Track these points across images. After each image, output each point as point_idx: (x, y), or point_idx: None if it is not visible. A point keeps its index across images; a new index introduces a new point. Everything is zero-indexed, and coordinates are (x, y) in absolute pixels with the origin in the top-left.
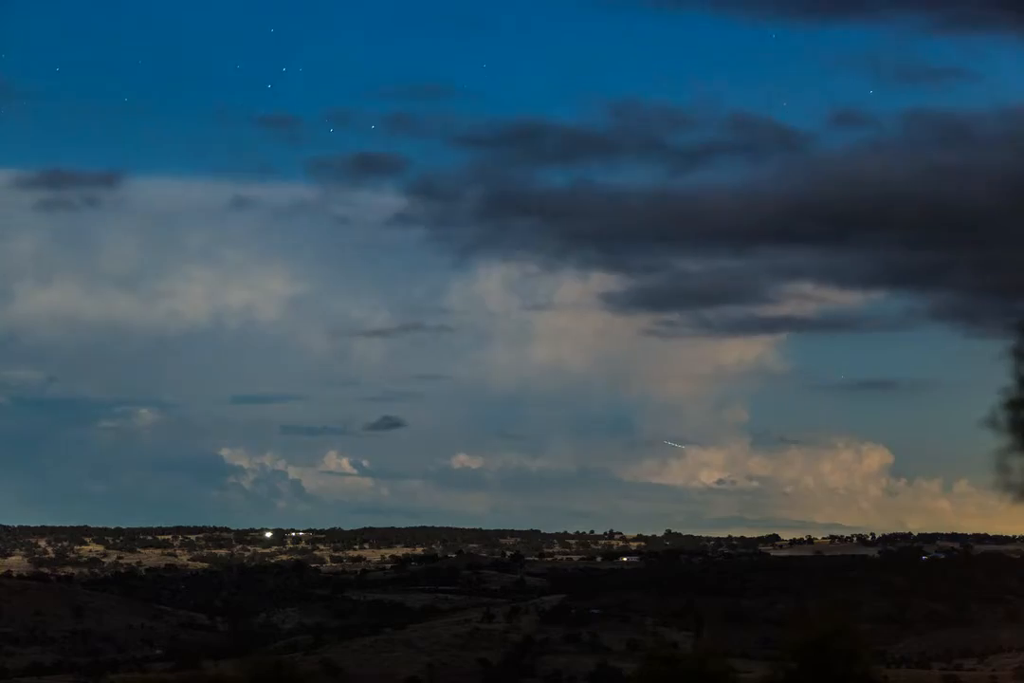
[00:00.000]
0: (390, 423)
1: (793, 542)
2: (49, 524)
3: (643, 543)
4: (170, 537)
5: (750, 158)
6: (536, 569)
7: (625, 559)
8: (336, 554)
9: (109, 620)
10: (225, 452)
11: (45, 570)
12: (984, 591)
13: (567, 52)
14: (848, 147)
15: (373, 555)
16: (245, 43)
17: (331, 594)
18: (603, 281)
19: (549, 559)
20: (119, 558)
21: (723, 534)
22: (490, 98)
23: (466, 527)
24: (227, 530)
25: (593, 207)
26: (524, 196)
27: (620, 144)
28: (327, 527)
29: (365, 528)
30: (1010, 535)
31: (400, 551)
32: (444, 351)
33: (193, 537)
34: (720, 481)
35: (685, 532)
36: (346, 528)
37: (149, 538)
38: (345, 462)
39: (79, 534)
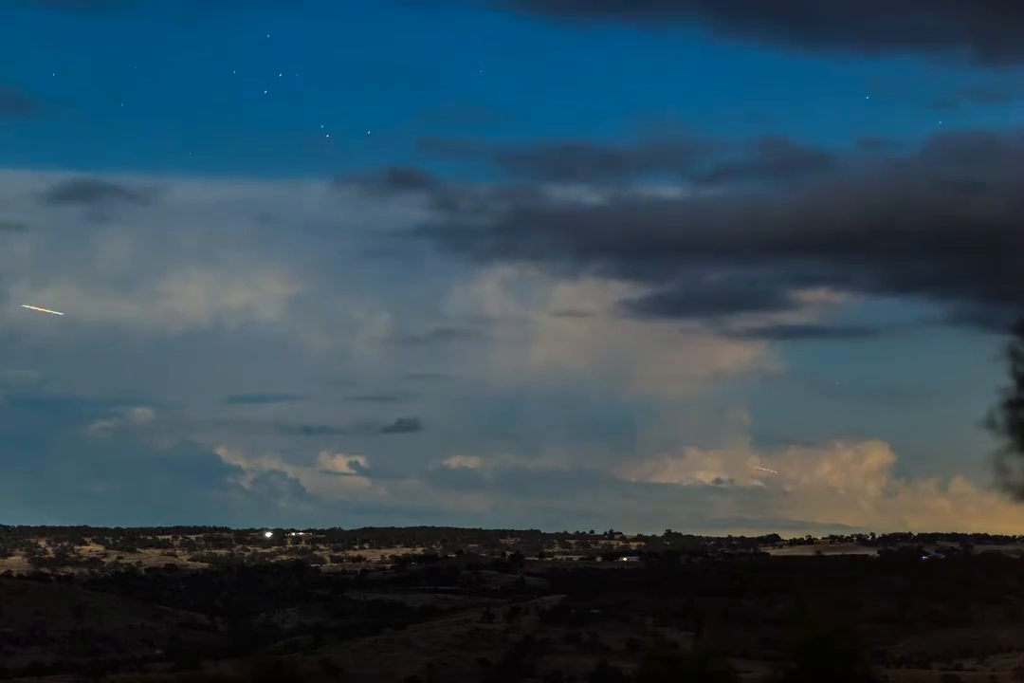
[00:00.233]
0: (406, 426)
1: (793, 542)
2: (49, 524)
3: (643, 543)
4: (170, 537)
5: (772, 174)
6: (536, 569)
7: (625, 559)
8: (336, 554)
9: (109, 620)
10: (225, 452)
11: (45, 570)
12: (984, 591)
13: (598, 73)
14: (867, 164)
15: (373, 555)
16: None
17: (331, 594)
18: (623, 289)
19: (549, 559)
20: (119, 558)
21: (723, 534)
22: (521, 117)
23: (466, 527)
24: (227, 530)
25: (614, 220)
26: (547, 210)
27: (644, 162)
28: (327, 527)
29: (365, 528)
30: (1010, 535)
31: (400, 551)
32: (451, 353)
33: (193, 537)
34: (719, 481)
35: (685, 532)
36: (346, 528)
37: (149, 538)
38: (345, 462)
39: (79, 534)
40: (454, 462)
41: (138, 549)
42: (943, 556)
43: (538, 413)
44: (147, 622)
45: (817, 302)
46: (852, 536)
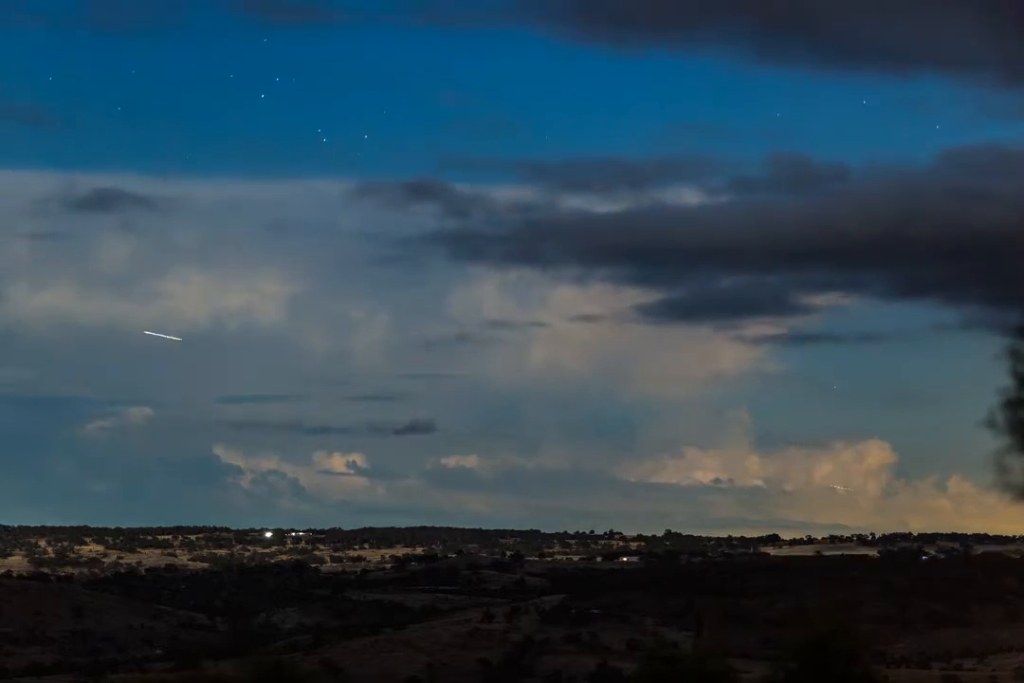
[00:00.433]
0: (415, 426)
1: (793, 542)
2: (49, 524)
3: (643, 543)
4: (170, 537)
5: (784, 186)
6: (536, 569)
7: (625, 559)
8: (336, 554)
9: (109, 620)
10: (225, 452)
11: (45, 570)
12: (984, 591)
13: (627, 91)
14: (879, 174)
15: (373, 555)
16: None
17: (331, 594)
18: (635, 294)
19: (549, 559)
20: (119, 558)
21: (723, 534)
22: (543, 130)
23: (466, 527)
24: (227, 530)
25: (627, 227)
26: (562, 219)
27: (661, 174)
28: (327, 527)
29: (365, 528)
30: (1010, 535)
31: (400, 551)
32: (460, 355)
33: (193, 537)
34: (719, 481)
35: (685, 532)
36: (346, 528)
37: (149, 538)
38: (345, 462)
39: (79, 534)
40: (454, 462)
41: (138, 549)
42: (943, 556)
43: (539, 413)
44: (147, 622)
45: (828, 307)
46: (852, 536)
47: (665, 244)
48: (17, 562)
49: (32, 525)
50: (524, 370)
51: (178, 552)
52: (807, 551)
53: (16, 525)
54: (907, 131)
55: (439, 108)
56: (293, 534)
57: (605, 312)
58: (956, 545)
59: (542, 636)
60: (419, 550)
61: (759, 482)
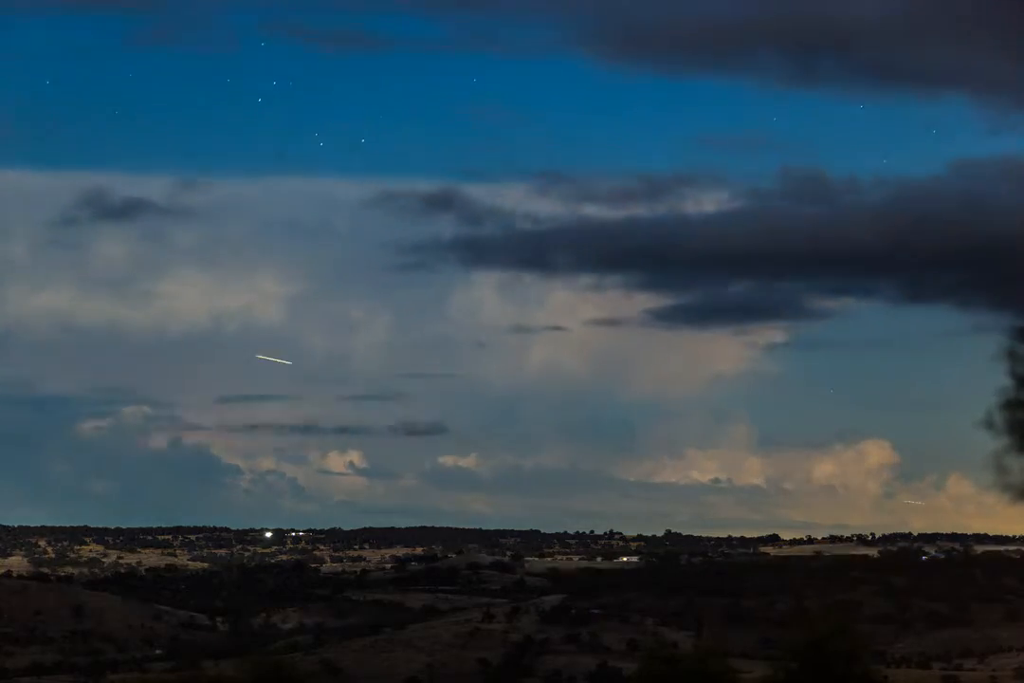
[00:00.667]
0: (434, 429)
1: (793, 542)
2: (49, 524)
3: (643, 543)
4: (170, 537)
5: (798, 197)
6: (536, 569)
7: (625, 559)
8: (336, 554)
9: (109, 620)
10: (225, 452)
11: (45, 570)
12: (984, 591)
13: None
14: (890, 187)
15: (373, 555)
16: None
17: (331, 594)
18: (647, 299)
19: (549, 559)
20: (119, 558)
21: (723, 534)
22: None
23: (466, 527)
24: (227, 530)
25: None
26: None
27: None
28: (327, 527)
29: (365, 528)
30: (1010, 535)
31: (400, 551)
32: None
33: (193, 537)
34: (719, 480)
35: (685, 532)
36: (346, 528)
37: (149, 538)
38: (346, 462)
39: (79, 534)
40: (454, 462)
41: (138, 549)
42: (943, 556)
43: (541, 413)
44: (147, 622)
45: (836, 312)
46: (852, 536)
47: (677, 251)
48: (17, 562)
49: (32, 525)
50: (528, 372)
51: (178, 552)
52: (807, 551)
53: (16, 525)
54: (920, 144)
55: (465, 120)
56: (293, 534)
57: (620, 316)
58: (956, 545)
59: (542, 636)
60: (419, 550)
61: (759, 482)
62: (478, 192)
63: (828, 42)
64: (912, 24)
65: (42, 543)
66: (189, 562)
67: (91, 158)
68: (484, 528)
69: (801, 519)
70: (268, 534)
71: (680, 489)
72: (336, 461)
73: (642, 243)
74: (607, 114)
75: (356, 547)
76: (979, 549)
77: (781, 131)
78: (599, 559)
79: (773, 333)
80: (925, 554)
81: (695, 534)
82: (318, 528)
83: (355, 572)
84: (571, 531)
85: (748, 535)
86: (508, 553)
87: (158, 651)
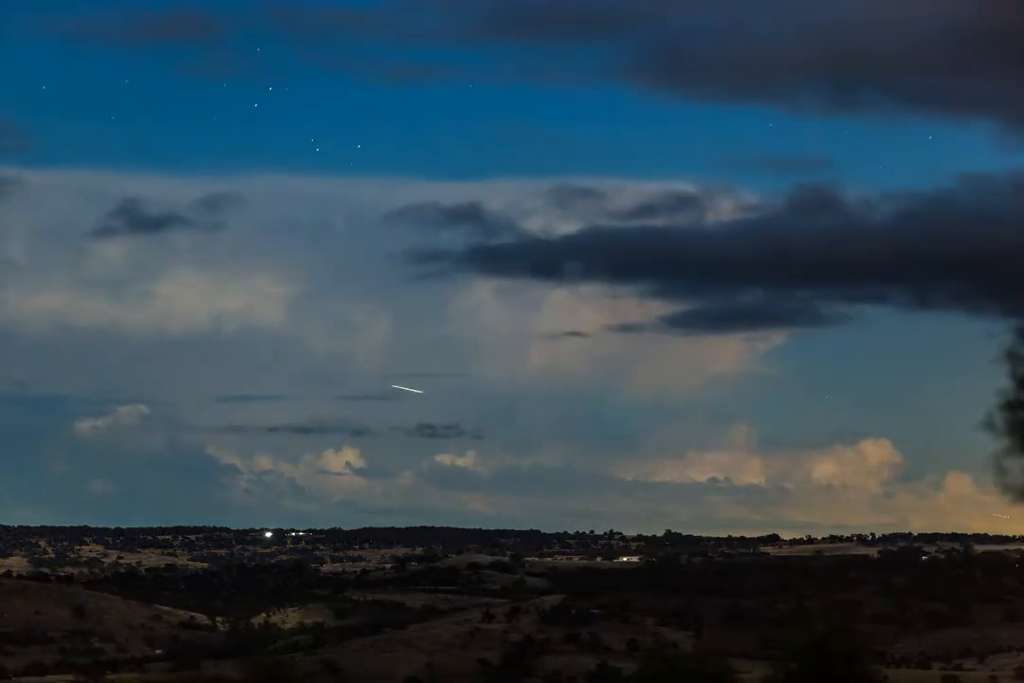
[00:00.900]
0: (473, 434)
1: (793, 542)
2: (49, 524)
3: (643, 543)
4: (170, 537)
5: (809, 211)
6: (536, 569)
7: (625, 559)
8: (336, 554)
9: (109, 620)
10: (225, 452)
11: (45, 570)
12: (984, 591)
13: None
14: (900, 199)
15: (373, 555)
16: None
17: (331, 594)
18: (658, 306)
19: (549, 559)
20: (119, 558)
21: (723, 534)
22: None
23: (466, 527)
24: (227, 530)
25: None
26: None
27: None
28: (327, 527)
29: (365, 528)
30: (1010, 535)
31: (400, 551)
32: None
33: (193, 537)
34: (719, 480)
35: (685, 532)
36: (346, 528)
37: (149, 538)
38: (346, 462)
39: (79, 534)
40: (454, 462)
41: (138, 549)
42: (943, 556)
43: (539, 414)
44: (147, 622)
45: (843, 316)
46: (852, 536)
47: (688, 260)
48: (17, 562)
49: (32, 525)
50: (528, 374)
51: (178, 552)
52: (807, 551)
53: (16, 525)
54: (932, 160)
55: (489, 134)
56: (293, 534)
57: (636, 322)
58: (956, 545)
59: (542, 636)
60: (419, 550)
61: (759, 482)
62: (497, 204)
63: (863, 71)
64: (942, 54)
65: (42, 543)
66: (189, 562)
67: (92, 158)
68: (484, 528)
69: (801, 519)
70: (268, 534)
71: (680, 489)
72: (336, 461)
73: (659, 252)
74: (637, 133)
75: (356, 547)
76: (979, 549)
77: (806, 150)
78: (599, 559)
79: (782, 337)
80: (925, 554)
81: (695, 534)
82: (318, 528)
83: (355, 572)
84: (571, 531)
85: (748, 535)
86: (508, 553)
87: (158, 651)
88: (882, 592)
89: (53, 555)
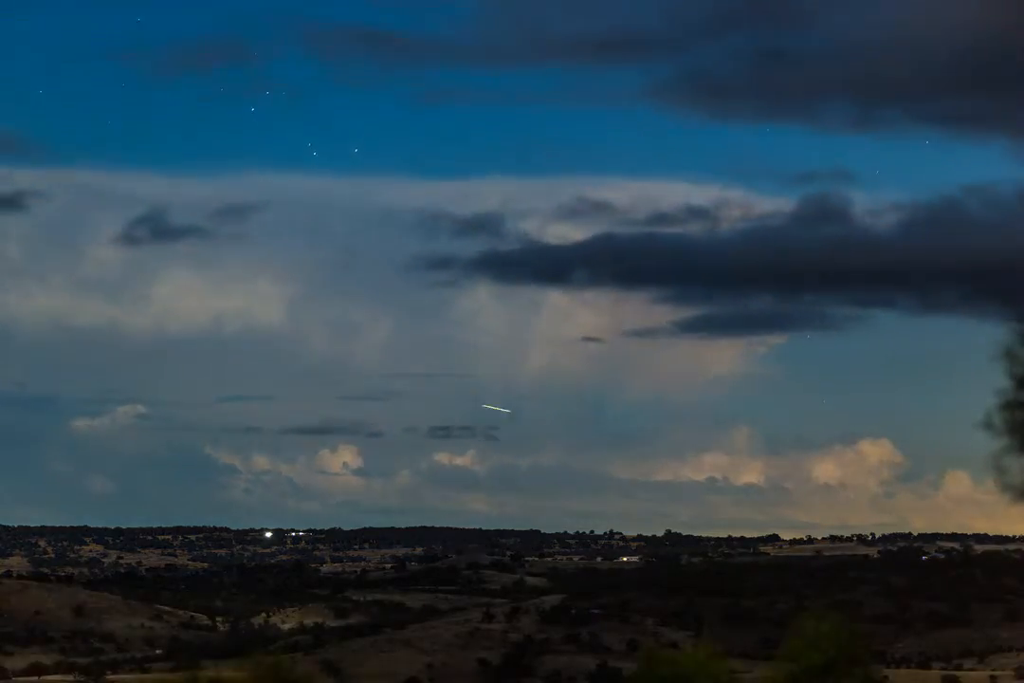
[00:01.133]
0: (487, 434)
1: (793, 542)
2: (49, 524)
3: (643, 543)
4: (170, 537)
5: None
6: (536, 569)
7: (625, 559)
8: (336, 554)
9: (109, 620)
10: (225, 452)
11: (45, 570)
12: (984, 591)
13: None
14: (906, 209)
15: (373, 555)
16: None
17: (331, 594)
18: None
19: (549, 559)
20: (119, 558)
21: (723, 534)
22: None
23: (466, 527)
24: (227, 530)
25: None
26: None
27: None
28: (327, 527)
29: (365, 528)
30: (1010, 535)
31: (400, 551)
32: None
33: (193, 537)
34: (718, 480)
35: (685, 532)
36: (346, 528)
37: (149, 538)
38: (346, 462)
39: (79, 534)
40: (454, 462)
41: (138, 549)
42: (943, 556)
43: (539, 414)
44: (147, 622)
45: (849, 321)
46: (852, 536)
47: (701, 267)
48: (17, 562)
49: (32, 525)
50: (530, 375)
51: (178, 552)
52: (807, 551)
53: (16, 525)
54: (940, 172)
55: (513, 146)
56: (293, 534)
57: (653, 326)
58: (956, 545)
59: (542, 636)
60: (419, 550)
61: (759, 482)
62: (511, 212)
63: (884, 92)
64: (957, 75)
65: (42, 543)
66: (189, 562)
67: (92, 158)
68: (484, 528)
69: (801, 519)
70: (268, 534)
71: (681, 489)
72: (336, 461)
73: (675, 259)
74: (658, 151)
75: (356, 547)
76: (979, 549)
77: (822, 164)
78: (599, 559)
79: (789, 340)
80: (925, 554)
81: (695, 534)
82: (318, 528)
83: (355, 572)
84: (571, 531)
85: (748, 535)
86: (508, 553)
87: (158, 651)
88: (882, 592)
89: (53, 555)
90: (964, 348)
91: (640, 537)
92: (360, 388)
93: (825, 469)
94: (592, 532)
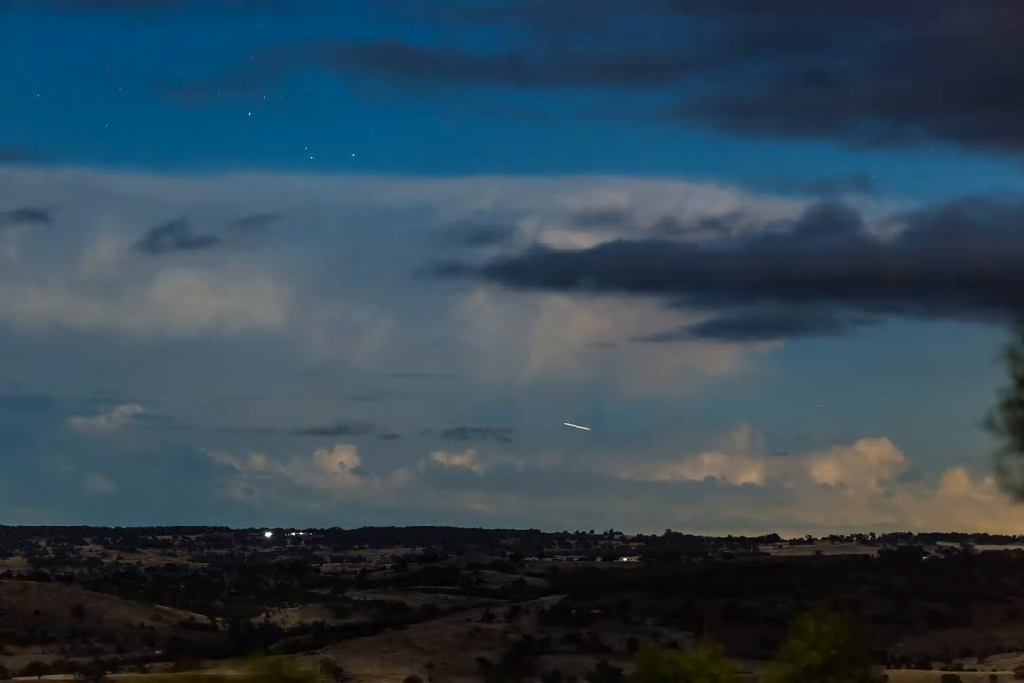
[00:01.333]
0: (499, 437)
1: (793, 542)
2: (49, 524)
3: (643, 543)
4: (170, 537)
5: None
6: (536, 569)
7: (625, 559)
8: (336, 554)
9: (109, 620)
10: (225, 452)
11: (45, 570)
12: (984, 591)
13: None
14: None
15: (373, 555)
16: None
17: (331, 594)
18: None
19: (549, 559)
20: (119, 558)
21: (723, 534)
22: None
23: (466, 527)
24: (227, 530)
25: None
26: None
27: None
28: (327, 527)
29: (365, 528)
30: (1010, 535)
31: (400, 551)
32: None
33: (193, 537)
34: (718, 480)
35: (685, 532)
36: (346, 528)
37: (149, 538)
38: (346, 462)
39: (79, 534)
40: (454, 462)
41: (138, 549)
42: (943, 556)
43: (539, 414)
44: (147, 622)
45: (853, 325)
46: (852, 536)
47: (712, 274)
48: (17, 562)
49: (32, 525)
50: (529, 375)
51: (178, 552)
52: (807, 551)
53: (16, 525)
54: (948, 185)
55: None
56: (293, 534)
57: (666, 331)
58: (956, 545)
59: (542, 636)
60: (419, 550)
61: (759, 482)
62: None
63: (911, 110)
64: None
65: (42, 543)
66: (189, 562)
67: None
68: (484, 528)
69: (801, 519)
70: (268, 534)
71: (681, 489)
72: (336, 461)
73: (687, 266)
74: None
75: (356, 547)
76: (979, 549)
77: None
78: (599, 559)
79: (795, 343)
80: (925, 554)
81: (695, 534)
82: (318, 528)
83: (355, 572)
84: (571, 531)
85: (748, 535)
86: (508, 553)
87: (158, 651)
88: (882, 592)
89: (53, 555)
90: (966, 352)
91: (640, 537)
92: (360, 388)
93: (825, 469)
94: (592, 532)
